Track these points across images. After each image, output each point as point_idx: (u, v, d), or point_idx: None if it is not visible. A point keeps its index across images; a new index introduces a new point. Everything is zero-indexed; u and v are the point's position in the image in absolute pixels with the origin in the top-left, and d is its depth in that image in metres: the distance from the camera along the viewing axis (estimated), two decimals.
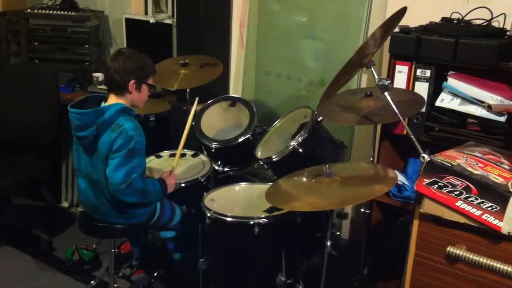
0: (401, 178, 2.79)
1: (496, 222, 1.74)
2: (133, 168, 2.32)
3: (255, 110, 3.06)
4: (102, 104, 2.42)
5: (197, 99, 2.78)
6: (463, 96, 2.50)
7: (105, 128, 2.34)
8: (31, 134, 3.56)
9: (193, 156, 3.05)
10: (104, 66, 2.45)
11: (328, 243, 2.49)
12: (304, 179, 2.33)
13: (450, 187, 1.84)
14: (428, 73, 2.59)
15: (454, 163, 1.90)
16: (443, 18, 2.71)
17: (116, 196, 2.36)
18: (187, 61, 3.22)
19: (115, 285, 2.79)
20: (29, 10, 4.05)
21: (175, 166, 2.66)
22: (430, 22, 2.70)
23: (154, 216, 2.58)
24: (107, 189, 2.38)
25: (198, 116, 3.15)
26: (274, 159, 2.64)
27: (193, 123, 3.11)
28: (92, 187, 2.47)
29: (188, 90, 3.24)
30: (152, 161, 2.97)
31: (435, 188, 1.86)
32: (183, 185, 2.74)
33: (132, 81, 2.39)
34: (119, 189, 2.31)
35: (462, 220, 1.82)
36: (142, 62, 2.44)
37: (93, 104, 2.43)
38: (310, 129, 2.61)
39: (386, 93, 2.19)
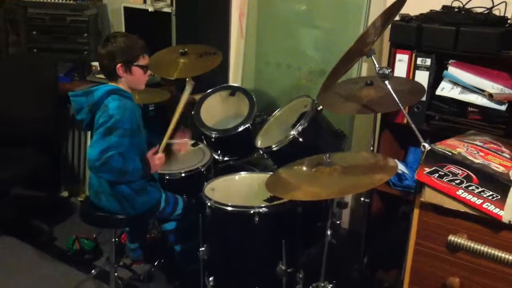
0: (401, 167, 2.79)
1: (496, 211, 1.74)
2: (109, 146, 2.29)
3: (255, 99, 3.06)
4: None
5: (188, 79, 2.75)
6: (463, 84, 2.50)
7: (97, 110, 2.36)
8: (30, 124, 3.56)
9: (193, 145, 3.04)
10: (96, 53, 2.48)
11: (328, 232, 2.49)
12: (304, 168, 2.33)
13: (450, 176, 1.84)
14: (428, 61, 2.58)
15: (455, 152, 1.90)
16: (444, 6, 2.70)
17: (94, 173, 2.39)
18: (186, 50, 3.20)
19: (116, 274, 2.80)
20: None
21: (163, 146, 2.60)
22: (430, 10, 2.69)
23: (158, 209, 2.58)
24: None
25: (197, 105, 3.15)
26: (274, 149, 2.63)
27: (192, 112, 3.11)
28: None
29: (187, 79, 3.22)
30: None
31: (435, 177, 1.86)
32: (183, 174, 2.74)
33: (119, 64, 2.40)
34: (94, 165, 2.29)
35: (462, 209, 1.82)
36: (128, 43, 2.43)
37: None
38: (310, 119, 2.60)
39: (386, 82, 2.18)
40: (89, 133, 3.58)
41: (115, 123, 2.30)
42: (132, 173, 2.40)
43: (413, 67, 2.62)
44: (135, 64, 2.44)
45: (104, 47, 2.41)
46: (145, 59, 2.49)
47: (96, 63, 3.86)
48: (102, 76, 3.67)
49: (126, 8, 3.98)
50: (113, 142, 2.30)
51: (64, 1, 3.98)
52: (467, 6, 2.64)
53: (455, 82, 2.52)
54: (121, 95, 2.39)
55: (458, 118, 2.54)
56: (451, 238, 1.84)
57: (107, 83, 2.46)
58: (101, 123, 2.31)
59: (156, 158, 2.53)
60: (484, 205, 1.76)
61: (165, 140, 2.63)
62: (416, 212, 1.95)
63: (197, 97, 3.27)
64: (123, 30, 4.00)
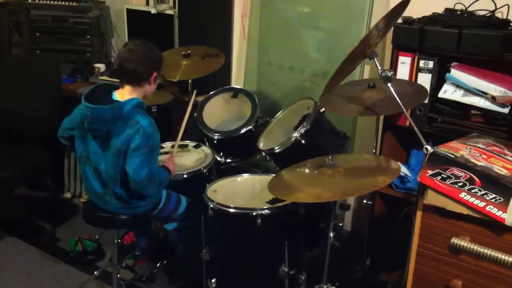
0: (403, 170, 2.79)
1: (499, 213, 1.74)
2: (153, 165, 2.36)
3: (257, 101, 3.06)
4: (113, 94, 2.40)
5: (195, 91, 2.83)
6: (466, 87, 2.50)
7: (121, 124, 2.31)
8: (33, 125, 3.56)
9: (196, 147, 3.05)
10: (120, 57, 2.39)
11: (331, 234, 2.49)
12: (307, 170, 2.33)
13: (453, 178, 1.84)
14: (431, 64, 2.58)
15: (457, 155, 1.90)
16: (446, 9, 2.70)
17: (139, 191, 2.39)
18: (189, 52, 3.21)
19: (118, 275, 2.80)
20: (30, 1, 4.04)
21: (175, 151, 2.72)
22: (433, 13, 2.69)
23: (158, 207, 2.59)
24: (113, 180, 2.41)
25: (200, 107, 3.15)
26: (277, 151, 2.63)
27: (194, 114, 3.12)
28: (98, 177, 2.47)
29: (190, 81, 3.24)
30: None
31: (438, 179, 1.86)
32: (185, 176, 2.74)
33: (155, 73, 2.41)
34: (144, 185, 2.34)
35: (465, 211, 1.82)
36: (160, 53, 2.46)
37: (103, 94, 2.41)
38: (312, 121, 2.60)
39: (389, 84, 2.19)
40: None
41: (154, 141, 2.34)
42: (165, 182, 2.47)
43: (415, 70, 2.62)
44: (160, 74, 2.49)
45: (137, 53, 2.35)
46: None
47: (99, 65, 3.87)
48: (105, 78, 3.71)
49: (128, 10, 3.99)
50: (154, 160, 2.37)
51: (67, 2, 4.00)
52: (470, 9, 2.65)
53: (458, 85, 2.52)
54: (144, 109, 2.38)
55: (460, 120, 2.54)
56: (454, 240, 1.84)
57: (122, 86, 2.41)
58: (140, 142, 2.29)
59: (171, 163, 2.59)
60: (487, 208, 1.77)
61: (176, 146, 2.71)
62: (418, 214, 1.95)
63: (200, 99, 3.27)
64: (126, 32, 4.02)
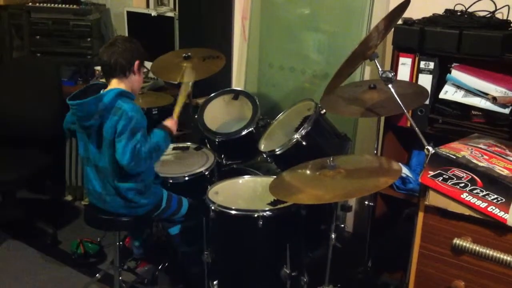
0: (405, 171, 2.79)
1: (501, 214, 1.74)
2: (137, 142, 2.35)
3: (258, 103, 3.06)
4: (102, 91, 2.44)
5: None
6: (467, 88, 2.50)
7: (107, 114, 2.36)
8: (34, 128, 3.57)
9: (197, 149, 3.05)
10: (101, 55, 2.46)
11: (333, 236, 2.50)
12: (308, 171, 2.33)
13: (455, 179, 1.84)
14: (431, 65, 2.58)
15: (459, 155, 1.90)
16: (446, 10, 2.70)
17: (132, 173, 2.40)
18: (189, 54, 3.21)
19: (120, 278, 2.81)
20: (30, 4, 4.05)
21: (177, 111, 2.71)
22: (433, 14, 2.69)
23: (159, 208, 2.59)
24: (113, 174, 2.43)
25: (201, 109, 3.16)
26: (278, 152, 2.63)
27: (195, 116, 3.12)
28: (99, 175, 2.49)
29: (190, 83, 3.23)
30: None
31: (440, 180, 1.86)
32: (187, 178, 2.75)
33: (137, 62, 2.46)
34: (130, 167, 2.35)
35: (467, 212, 1.82)
36: (138, 44, 2.52)
37: (93, 92, 2.44)
38: (313, 122, 2.60)
39: (390, 86, 2.19)
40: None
41: (136, 123, 2.36)
42: (162, 142, 2.49)
43: (416, 71, 2.62)
44: (143, 64, 2.54)
45: (116, 46, 2.42)
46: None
47: (100, 67, 3.86)
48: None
49: (129, 13, 4.00)
50: (138, 137, 2.36)
51: (67, 5, 4.01)
52: (470, 10, 2.65)
53: (459, 86, 2.52)
54: (128, 97, 2.42)
55: (461, 121, 2.54)
56: (456, 241, 1.85)
57: (109, 83, 2.47)
58: (123, 126, 2.33)
59: (171, 120, 2.63)
60: (488, 208, 1.77)
61: (178, 106, 2.72)
62: (420, 215, 1.96)
63: (201, 100, 3.28)
64: (126, 35, 4.02)
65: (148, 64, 3.22)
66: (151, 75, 3.39)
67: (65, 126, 2.64)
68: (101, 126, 2.39)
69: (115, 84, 2.45)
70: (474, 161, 1.88)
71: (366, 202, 2.76)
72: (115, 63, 2.43)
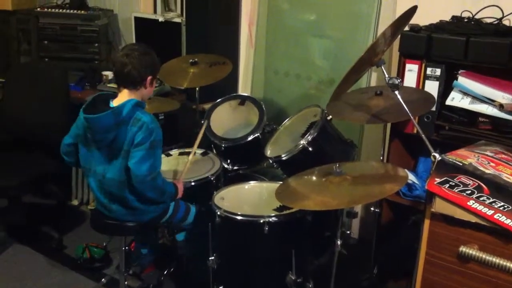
0: (411, 177, 2.78)
1: (508, 221, 1.74)
2: (155, 160, 2.36)
3: (264, 108, 3.07)
4: (111, 102, 2.43)
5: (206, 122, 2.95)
6: (473, 94, 2.49)
7: (123, 125, 2.34)
8: (41, 132, 3.57)
9: (203, 154, 3.05)
10: (116, 61, 2.43)
11: (338, 242, 2.49)
12: (314, 178, 2.33)
13: (461, 186, 1.84)
14: (438, 71, 2.58)
15: (465, 162, 1.90)
16: (453, 17, 2.70)
17: (139, 187, 2.38)
18: (196, 59, 3.22)
19: (126, 282, 2.80)
20: (38, 9, 4.07)
21: (184, 172, 2.70)
22: (440, 20, 2.69)
23: (166, 215, 2.59)
24: (119, 187, 2.42)
25: (207, 114, 3.16)
26: (284, 158, 2.64)
27: (202, 122, 3.12)
28: (103, 187, 2.48)
29: (197, 88, 3.25)
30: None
31: (446, 187, 1.85)
32: (193, 183, 2.75)
33: (149, 77, 2.43)
34: (144, 180, 2.34)
35: (473, 219, 1.81)
36: (155, 58, 2.48)
37: (102, 103, 2.43)
38: (319, 128, 2.61)
39: (396, 92, 2.19)
40: None
41: (156, 136, 2.35)
42: (168, 194, 2.49)
43: (423, 77, 2.62)
44: (156, 77, 2.53)
45: (132, 57, 2.38)
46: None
47: (107, 72, 3.88)
48: (113, 85, 3.71)
49: (136, 18, 4.01)
50: (158, 155, 2.37)
51: (75, 11, 4.03)
52: (477, 17, 2.65)
53: (465, 92, 2.52)
54: (143, 107, 2.42)
55: (468, 128, 2.53)
56: (463, 249, 1.84)
57: (120, 91, 2.45)
58: (142, 137, 2.32)
59: (180, 184, 2.61)
60: (495, 216, 1.76)
61: (186, 170, 2.71)
62: (426, 222, 1.95)
63: (207, 106, 3.28)
64: (134, 40, 4.04)
65: None
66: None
67: (63, 149, 2.60)
68: (115, 138, 2.37)
69: (125, 93, 2.42)
70: (481, 168, 1.88)
71: (372, 209, 2.75)
72: (127, 75, 2.39)
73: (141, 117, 2.35)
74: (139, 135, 2.33)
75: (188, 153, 3.04)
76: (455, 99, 2.54)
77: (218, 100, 3.24)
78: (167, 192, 2.47)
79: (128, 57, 2.39)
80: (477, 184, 1.82)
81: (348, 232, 2.83)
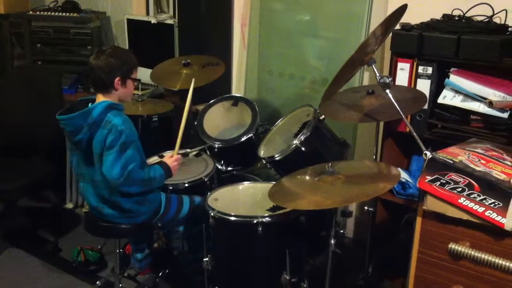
0: (404, 176, 2.79)
1: (499, 218, 1.74)
2: (127, 160, 2.33)
3: (257, 109, 3.07)
4: (89, 105, 2.43)
5: (193, 80, 2.82)
6: (465, 92, 2.50)
7: (97, 128, 2.35)
8: (36, 136, 3.57)
9: (196, 155, 3.05)
10: (88, 66, 2.44)
11: (333, 242, 2.49)
12: (307, 177, 2.33)
13: (452, 184, 1.84)
14: (430, 70, 2.59)
15: (456, 160, 1.91)
16: (444, 15, 2.71)
17: (119, 190, 2.38)
18: (189, 61, 3.22)
19: (121, 285, 2.81)
20: (31, 12, 4.07)
21: (177, 147, 2.67)
22: (431, 19, 2.70)
23: (158, 214, 2.59)
24: (108, 189, 2.42)
25: (200, 115, 3.16)
26: (277, 158, 2.64)
27: (195, 123, 3.13)
28: (95, 190, 2.49)
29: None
30: (155, 161, 2.98)
31: (437, 185, 1.86)
32: (186, 185, 2.75)
33: (117, 79, 2.41)
34: (118, 183, 2.33)
35: (465, 217, 1.82)
36: (125, 57, 2.46)
37: (80, 107, 2.43)
38: (312, 128, 2.61)
39: (387, 91, 2.19)
40: None
41: (127, 138, 2.34)
42: (157, 179, 2.46)
43: (414, 76, 2.63)
44: (130, 77, 2.48)
45: (99, 59, 2.39)
46: (136, 72, 2.53)
47: None
48: None
49: (129, 20, 4.01)
50: (129, 155, 2.34)
51: (67, 14, 4.02)
52: (468, 15, 2.65)
53: (457, 90, 2.53)
54: (118, 109, 2.41)
55: (460, 126, 2.54)
56: (452, 246, 1.84)
57: (96, 95, 2.46)
58: (112, 140, 2.32)
59: (174, 160, 2.58)
60: (486, 213, 1.77)
61: (178, 141, 2.67)
62: (418, 220, 1.96)
63: (200, 107, 3.28)
64: (127, 42, 4.04)
65: (147, 71, 3.23)
66: (150, 82, 3.39)
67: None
68: (91, 140, 2.37)
69: (100, 97, 2.43)
70: (471, 165, 1.88)
71: (366, 208, 2.75)
72: (94, 79, 2.41)
73: (111, 119, 2.34)
74: (109, 138, 2.33)
75: (181, 154, 3.04)
76: (447, 97, 2.55)
77: (211, 101, 3.24)
78: (154, 178, 2.44)
79: (96, 60, 2.40)
80: (467, 181, 1.83)
81: (343, 231, 2.83)
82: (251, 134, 2.93)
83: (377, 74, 2.22)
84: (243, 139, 2.93)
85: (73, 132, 2.37)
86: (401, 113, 2.17)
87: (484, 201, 1.78)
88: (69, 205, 3.99)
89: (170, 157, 2.60)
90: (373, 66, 2.26)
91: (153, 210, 2.57)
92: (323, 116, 2.67)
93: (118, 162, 2.31)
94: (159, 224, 2.77)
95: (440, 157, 1.91)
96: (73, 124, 2.36)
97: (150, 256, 3.02)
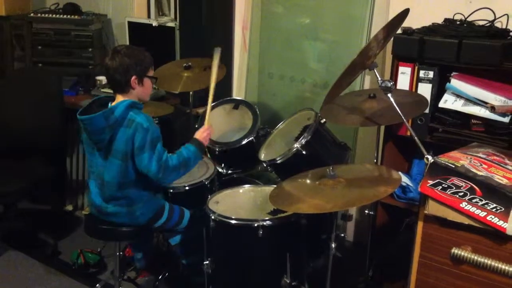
0: (405, 180, 2.79)
1: (500, 223, 1.74)
2: (159, 153, 2.37)
3: (258, 112, 3.07)
4: (109, 104, 2.44)
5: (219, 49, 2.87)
6: (466, 97, 2.50)
7: (118, 127, 2.36)
8: (36, 138, 3.57)
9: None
10: (103, 67, 2.46)
11: (333, 245, 2.49)
12: (308, 181, 2.33)
13: (454, 188, 1.84)
14: (431, 74, 2.59)
15: (458, 164, 1.90)
16: (445, 19, 2.71)
17: (161, 183, 2.46)
18: (190, 64, 3.22)
19: None
20: (32, 14, 4.06)
21: (207, 117, 2.70)
22: (432, 23, 2.70)
23: (160, 219, 2.58)
24: (118, 189, 2.44)
25: (201, 118, 3.16)
26: (278, 161, 2.64)
27: (196, 126, 3.12)
28: (101, 188, 2.50)
29: (191, 93, 3.25)
30: None
31: (439, 189, 1.86)
32: (187, 188, 2.75)
33: (133, 78, 2.41)
34: (159, 177, 2.38)
35: (466, 221, 1.82)
36: (139, 56, 2.46)
37: (100, 107, 2.44)
38: (313, 131, 2.61)
39: (389, 95, 2.19)
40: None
41: (153, 134, 2.37)
42: (192, 157, 2.49)
43: (416, 80, 2.63)
44: (146, 75, 2.48)
45: (113, 61, 2.40)
46: (152, 70, 2.53)
47: (101, 77, 3.88)
48: (107, 90, 3.71)
49: (130, 23, 4.01)
50: (160, 149, 2.39)
51: (68, 16, 4.02)
52: (469, 19, 2.65)
53: (458, 94, 2.53)
54: (138, 108, 2.43)
55: (461, 130, 2.54)
56: (455, 250, 1.84)
57: (115, 96, 2.47)
58: (141, 139, 2.34)
59: (203, 131, 2.62)
60: (488, 218, 1.76)
61: (208, 111, 2.70)
62: (420, 224, 1.95)
63: (201, 110, 3.28)
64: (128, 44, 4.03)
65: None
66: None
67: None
68: (112, 139, 2.38)
69: (119, 97, 2.44)
70: (473, 170, 1.88)
71: (367, 211, 2.76)
72: (111, 79, 2.43)
73: (134, 117, 2.36)
74: (137, 138, 2.35)
75: None
76: (448, 101, 2.55)
77: (212, 104, 3.23)
78: (189, 158, 2.47)
79: (111, 61, 2.41)
80: (469, 186, 1.82)
81: (343, 235, 2.84)
82: (252, 137, 2.93)
83: (379, 78, 2.22)
84: (244, 142, 2.92)
85: (95, 131, 2.38)
86: (403, 117, 2.17)
87: (486, 205, 1.77)
88: (69, 208, 3.99)
89: (199, 130, 2.63)
90: (375, 70, 2.26)
91: (155, 211, 2.56)
92: (324, 120, 2.67)
93: (153, 158, 2.35)
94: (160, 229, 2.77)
95: (442, 162, 1.91)
96: (95, 124, 2.36)
97: (146, 257, 3.02)
